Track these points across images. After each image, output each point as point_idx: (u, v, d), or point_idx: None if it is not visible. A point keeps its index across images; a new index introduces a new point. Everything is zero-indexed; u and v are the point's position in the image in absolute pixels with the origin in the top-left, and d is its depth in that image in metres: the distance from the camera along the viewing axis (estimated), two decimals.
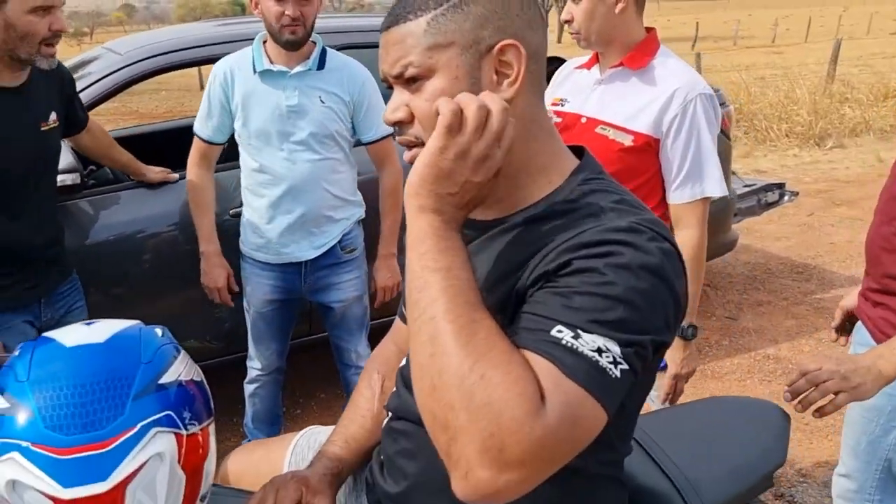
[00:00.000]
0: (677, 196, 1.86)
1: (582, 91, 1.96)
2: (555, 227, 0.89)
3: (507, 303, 0.89)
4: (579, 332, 0.78)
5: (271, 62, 2.27)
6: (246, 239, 2.48)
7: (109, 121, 11.70)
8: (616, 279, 0.80)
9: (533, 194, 0.96)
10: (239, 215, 2.55)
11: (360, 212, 2.54)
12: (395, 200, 2.52)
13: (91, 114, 2.47)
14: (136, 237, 2.68)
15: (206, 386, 1.02)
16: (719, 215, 3.87)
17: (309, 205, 2.35)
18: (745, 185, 4.50)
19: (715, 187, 1.86)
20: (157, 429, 0.89)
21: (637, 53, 1.87)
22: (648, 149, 1.84)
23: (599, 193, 0.93)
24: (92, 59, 3.15)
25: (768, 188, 4.51)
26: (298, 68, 2.26)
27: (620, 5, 1.82)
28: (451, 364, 0.75)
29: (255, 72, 2.28)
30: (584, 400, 0.76)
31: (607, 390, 0.78)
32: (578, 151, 1.03)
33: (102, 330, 0.96)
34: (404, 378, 1.12)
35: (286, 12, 2.14)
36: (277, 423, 2.78)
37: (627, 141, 1.84)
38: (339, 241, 2.47)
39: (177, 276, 2.70)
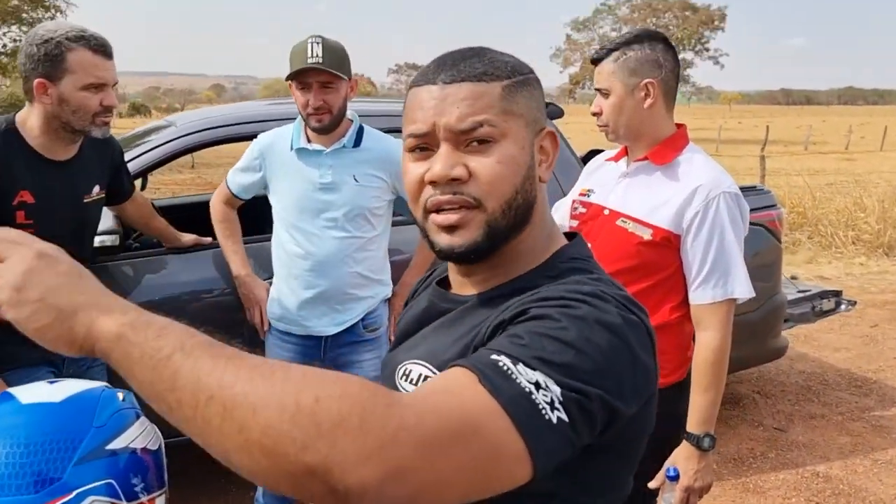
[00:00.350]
0: (698, 296, 1.80)
1: (607, 183, 1.95)
2: (523, 292, 0.88)
3: (465, 352, 0.86)
4: (521, 364, 0.72)
5: (308, 141, 2.33)
6: (270, 307, 2.51)
7: (187, 188, 12.24)
8: (570, 326, 0.76)
9: (515, 272, 0.95)
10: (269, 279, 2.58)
11: (386, 291, 2.54)
12: (427, 257, 2.55)
13: (164, 178, 2.59)
14: (172, 300, 2.73)
15: (163, 455, 0.99)
16: (769, 320, 3.72)
17: (333, 281, 2.36)
18: (800, 291, 4.33)
19: (739, 289, 1.78)
20: (94, 497, 0.86)
21: (663, 149, 1.84)
22: (668, 244, 1.79)
23: (579, 272, 0.91)
24: (155, 129, 3.31)
25: (824, 295, 4.33)
26: (334, 146, 2.32)
27: (649, 101, 1.80)
28: (271, 416, 0.61)
29: (291, 148, 2.35)
30: (496, 421, 0.67)
31: (537, 432, 0.69)
32: (571, 237, 1.02)
33: (62, 390, 0.95)
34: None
35: (310, 101, 2.23)
36: (289, 499, 2.71)
37: (646, 234, 1.79)
38: (363, 319, 2.46)
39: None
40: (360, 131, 2.37)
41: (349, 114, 2.36)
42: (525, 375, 0.71)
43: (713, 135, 33.34)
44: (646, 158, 1.86)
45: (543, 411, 0.70)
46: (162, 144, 2.86)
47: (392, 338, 2.55)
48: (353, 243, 2.36)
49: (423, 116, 0.89)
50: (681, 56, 43.09)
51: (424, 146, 0.90)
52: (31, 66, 1.88)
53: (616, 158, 2.00)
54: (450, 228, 0.90)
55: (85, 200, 2.10)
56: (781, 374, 4.74)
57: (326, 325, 2.41)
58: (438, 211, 0.90)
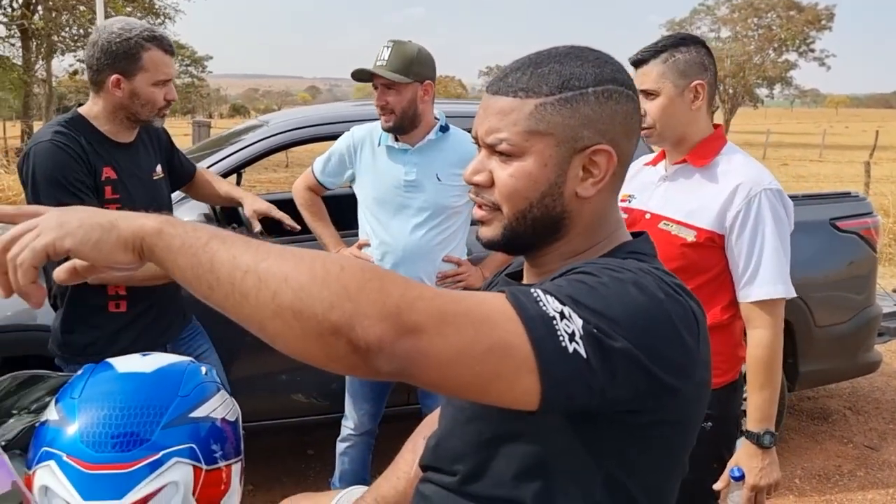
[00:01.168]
0: (745, 294, 1.79)
1: (647, 187, 1.94)
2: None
3: None
4: (551, 296, 0.78)
5: (396, 140, 2.43)
6: None
7: (280, 186, 12.67)
8: (610, 283, 0.81)
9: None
10: None
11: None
12: None
13: (259, 177, 2.71)
14: None
15: (240, 426, 1.08)
16: (861, 333, 3.57)
17: (411, 273, 2.44)
18: None
19: (783, 287, 1.77)
20: (178, 459, 0.95)
21: (701, 150, 1.84)
22: (712, 245, 1.79)
23: (635, 261, 0.94)
24: (248, 128, 3.49)
25: None
26: (419, 145, 2.42)
27: (697, 102, 1.81)
28: (302, 281, 0.70)
29: (380, 144, 2.47)
30: (513, 326, 0.74)
31: (550, 352, 0.74)
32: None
33: (153, 362, 1.05)
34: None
35: (376, 102, 2.35)
36: (363, 481, 2.81)
37: (690, 236, 1.79)
38: None
39: None
40: (446, 131, 2.45)
41: (436, 113, 2.44)
42: (552, 304, 0.76)
43: (817, 140, 31.86)
44: (685, 161, 1.85)
45: (561, 337, 0.74)
46: (254, 143, 3.01)
47: None
48: (434, 238, 2.45)
49: (475, 122, 0.98)
50: (783, 58, 41.34)
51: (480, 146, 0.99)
52: (106, 61, 2.00)
53: (654, 162, 2.00)
54: (480, 221, 1.00)
55: (154, 178, 2.26)
56: (877, 391, 4.52)
57: None
58: (476, 203, 1.00)
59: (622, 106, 0.94)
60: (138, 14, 21.30)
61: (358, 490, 1.43)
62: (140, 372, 1.03)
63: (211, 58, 35.98)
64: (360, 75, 2.36)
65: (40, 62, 20.63)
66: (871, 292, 3.61)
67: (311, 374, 2.98)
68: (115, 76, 2.01)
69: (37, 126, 19.46)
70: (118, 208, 1.98)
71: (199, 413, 1.01)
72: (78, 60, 22.08)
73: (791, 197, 3.84)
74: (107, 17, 8.30)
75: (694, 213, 1.80)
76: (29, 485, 0.94)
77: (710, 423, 1.56)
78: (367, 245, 2.52)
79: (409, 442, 1.35)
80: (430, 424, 1.37)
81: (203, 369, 1.08)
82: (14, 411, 1.15)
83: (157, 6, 22.06)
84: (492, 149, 0.95)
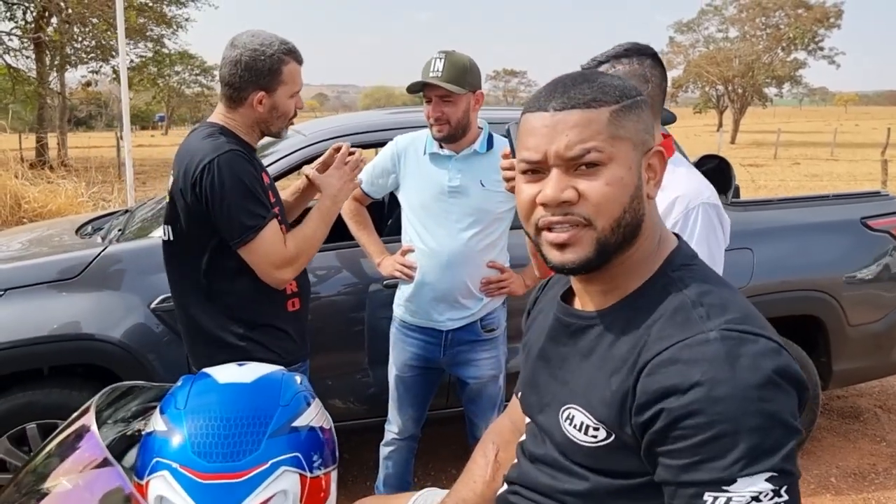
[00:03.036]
0: None
1: None
2: (648, 324, 0.95)
3: (620, 415, 0.94)
4: (723, 489, 0.82)
5: (441, 147, 2.47)
6: (397, 301, 2.66)
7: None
8: (725, 411, 0.83)
9: (632, 283, 1.02)
10: (391, 286, 2.73)
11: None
12: None
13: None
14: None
15: (335, 434, 1.11)
16: (893, 331, 3.58)
17: (455, 279, 2.48)
18: None
19: None
20: (286, 468, 0.98)
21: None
22: None
23: (690, 283, 0.97)
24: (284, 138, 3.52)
25: None
26: (464, 152, 2.45)
27: None
28: None
29: (425, 153, 2.50)
30: None
31: None
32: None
33: (251, 371, 1.08)
34: (525, 451, 1.16)
35: (430, 113, 2.37)
36: (406, 490, 2.84)
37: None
38: (481, 320, 2.56)
39: (328, 337, 2.90)
40: (490, 139, 2.49)
41: (479, 122, 2.47)
42: (742, 498, 0.82)
43: (827, 138, 31.69)
44: None
45: None
46: (292, 153, 3.04)
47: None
48: (477, 244, 2.48)
49: (535, 143, 0.98)
50: (792, 56, 41.08)
51: (537, 170, 1.00)
52: (250, 78, 2.01)
53: None
54: (561, 246, 0.98)
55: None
56: None
57: (446, 320, 2.54)
58: (550, 229, 0.99)
59: (649, 114, 1.03)
60: (151, 24, 21.46)
61: (431, 493, 1.46)
62: (241, 382, 1.05)
63: None
64: (416, 87, 2.38)
65: (54, 74, 20.81)
66: None
67: (347, 380, 3.02)
68: (259, 93, 2.04)
69: (52, 138, 19.64)
70: (279, 211, 2.05)
71: (300, 422, 1.03)
72: (91, 72, 22.25)
73: (822, 197, 3.88)
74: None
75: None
76: (142, 494, 0.97)
77: None
78: (412, 251, 2.55)
79: (479, 448, 1.38)
80: (496, 430, 1.40)
81: (298, 378, 1.11)
82: (109, 421, 1.18)
83: (168, 16, 22.20)
84: (572, 163, 0.96)
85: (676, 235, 1.08)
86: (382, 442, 2.78)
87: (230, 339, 2.06)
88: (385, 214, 3.92)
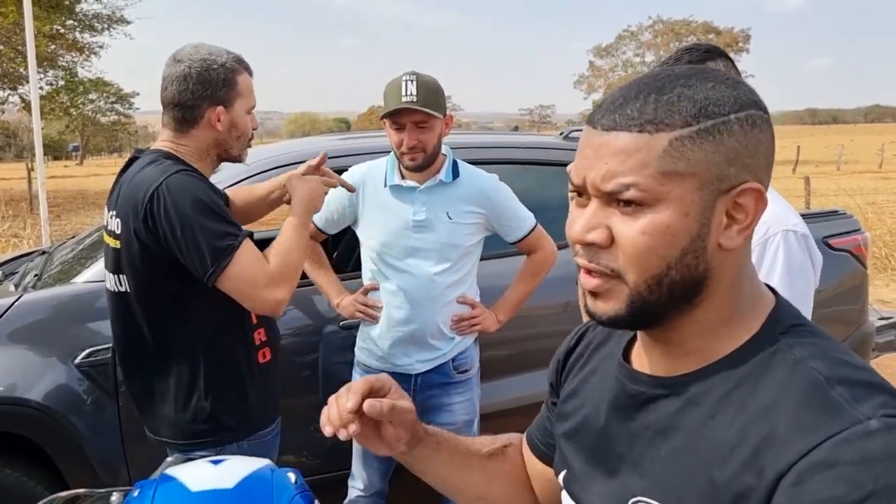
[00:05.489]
0: None
1: None
2: (765, 404, 0.73)
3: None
4: None
5: (402, 177, 2.26)
6: (359, 345, 2.43)
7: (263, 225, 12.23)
8: None
9: (718, 347, 0.80)
10: (349, 327, 2.51)
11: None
12: (536, 273, 2.45)
13: None
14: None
15: None
16: (857, 350, 3.54)
17: (423, 319, 2.28)
18: (882, 318, 4.12)
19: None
20: None
21: None
22: None
23: (811, 352, 0.75)
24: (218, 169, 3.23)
25: None
26: (428, 183, 2.24)
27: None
28: None
29: (385, 185, 2.27)
30: None
31: None
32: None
33: (231, 472, 0.84)
34: (571, 491, 0.94)
35: (404, 141, 2.14)
36: None
37: None
38: (453, 360, 2.36)
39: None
40: (455, 166, 2.29)
41: (443, 149, 2.27)
42: None
43: None
44: None
45: None
46: (234, 184, 2.77)
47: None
48: (446, 280, 2.28)
49: (579, 166, 0.78)
50: None
51: (582, 193, 0.79)
52: (204, 93, 1.77)
53: None
54: (592, 293, 0.79)
55: None
56: None
57: (415, 363, 2.33)
58: (584, 269, 0.79)
59: (765, 134, 0.77)
60: (61, 51, 20.55)
61: None
62: (220, 489, 0.81)
63: (138, 94, 34.91)
64: (393, 113, 2.14)
65: None
66: (865, 308, 3.60)
67: (301, 431, 2.74)
68: (217, 108, 1.78)
69: None
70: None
71: None
72: None
73: None
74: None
75: None
76: None
77: None
78: (374, 289, 2.32)
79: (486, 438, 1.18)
80: (508, 438, 1.19)
81: (292, 476, 0.87)
82: None
83: (80, 43, 21.29)
84: (610, 198, 0.75)
85: (771, 289, 0.86)
86: (346, 501, 2.52)
87: (193, 401, 1.79)
88: (330, 249, 3.68)
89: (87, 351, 2.43)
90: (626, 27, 44.44)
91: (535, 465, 1.13)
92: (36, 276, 2.94)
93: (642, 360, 0.87)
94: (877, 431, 0.65)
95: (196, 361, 1.78)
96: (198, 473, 0.84)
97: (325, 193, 1.97)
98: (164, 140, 1.84)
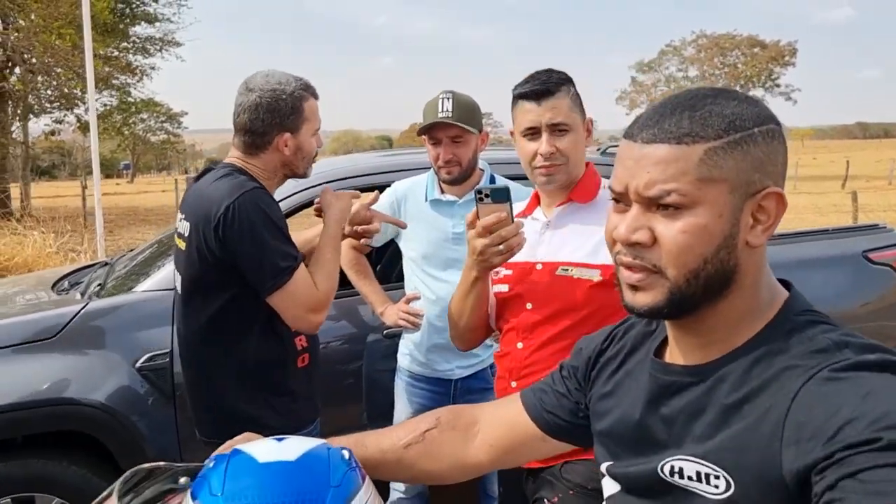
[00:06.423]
0: None
1: (528, 238, 1.70)
2: (783, 367, 0.84)
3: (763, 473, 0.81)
4: None
5: (442, 192, 2.37)
6: (402, 351, 2.54)
7: None
8: None
9: (738, 336, 0.91)
10: (392, 336, 2.61)
11: None
12: None
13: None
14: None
15: None
16: None
17: None
18: None
19: None
20: None
21: (584, 187, 1.76)
22: None
23: (821, 325, 0.87)
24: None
25: None
26: (467, 197, 2.35)
27: (590, 138, 1.77)
28: None
29: (426, 199, 2.38)
30: None
31: None
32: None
33: (293, 447, 0.95)
34: (613, 474, 1.03)
35: (440, 155, 2.27)
36: None
37: (595, 276, 1.67)
38: (491, 366, 2.44)
39: (323, 391, 2.74)
40: (492, 181, 2.39)
41: (480, 164, 2.39)
42: None
43: (789, 172, 32.33)
44: (569, 200, 1.75)
45: None
46: (289, 196, 2.90)
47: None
48: None
49: (620, 175, 0.90)
50: (750, 93, 42.32)
51: (621, 201, 0.91)
52: (273, 121, 1.91)
53: (526, 212, 1.84)
54: (633, 287, 0.90)
55: None
56: None
57: (455, 369, 2.43)
58: (627, 266, 0.90)
59: (782, 145, 0.90)
60: (115, 72, 21.30)
61: None
62: (284, 461, 0.92)
63: (186, 114, 36.06)
64: (429, 128, 2.28)
65: (17, 123, 20.45)
66: None
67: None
68: (284, 135, 1.93)
69: (14, 188, 19.21)
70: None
71: None
72: (55, 122, 21.93)
73: (821, 231, 3.85)
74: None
75: (594, 251, 1.66)
76: None
77: None
78: (416, 298, 2.43)
79: (423, 416, 1.25)
80: (454, 414, 1.25)
81: (346, 453, 0.97)
82: None
83: (134, 65, 22.07)
84: (652, 203, 0.87)
85: (784, 282, 0.96)
86: (387, 503, 2.62)
87: (241, 404, 1.92)
88: (373, 261, 3.80)
89: (147, 355, 2.58)
90: (669, 42, 44.18)
91: (522, 418, 1.20)
92: (99, 285, 3.13)
93: (673, 354, 0.98)
94: (869, 360, 0.78)
95: (243, 363, 1.91)
96: (264, 448, 0.95)
97: (350, 201, 2.09)
98: (234, 157, 1.99)
